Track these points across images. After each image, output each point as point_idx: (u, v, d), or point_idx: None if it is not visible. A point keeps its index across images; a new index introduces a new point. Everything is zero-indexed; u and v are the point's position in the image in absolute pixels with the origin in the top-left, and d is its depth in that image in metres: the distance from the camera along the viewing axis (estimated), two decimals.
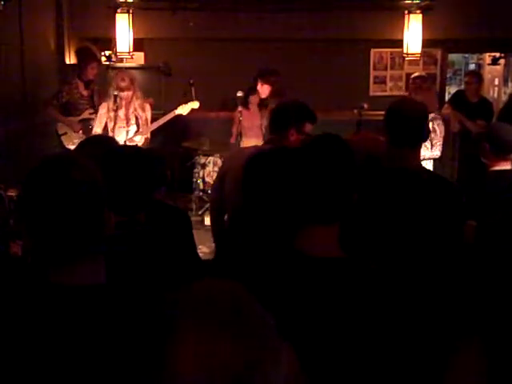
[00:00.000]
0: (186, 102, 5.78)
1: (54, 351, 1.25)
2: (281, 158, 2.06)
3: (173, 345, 0.73)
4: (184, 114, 5.75)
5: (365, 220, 2.46)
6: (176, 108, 5.72)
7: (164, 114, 5.85)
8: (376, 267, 1.59)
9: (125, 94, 5.24)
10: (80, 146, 2.62)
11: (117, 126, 5.32)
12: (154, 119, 5.63)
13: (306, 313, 1.45)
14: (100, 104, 5.56)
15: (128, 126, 5.39)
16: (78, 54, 6.30)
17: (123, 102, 5.28)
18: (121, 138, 5.29)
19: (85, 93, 6.05)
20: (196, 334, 0.73)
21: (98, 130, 5.34)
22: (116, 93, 5.22)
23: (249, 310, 0.78)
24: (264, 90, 5.76)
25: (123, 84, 5.25)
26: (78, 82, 6.03)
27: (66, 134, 5.95)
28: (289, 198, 1.61)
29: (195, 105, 5.81)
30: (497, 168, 3.52)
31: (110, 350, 1.22)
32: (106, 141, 2.66)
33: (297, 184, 1.59)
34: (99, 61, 6.23)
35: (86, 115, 5.97)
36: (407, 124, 2.56)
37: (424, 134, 2.65)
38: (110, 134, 5.18)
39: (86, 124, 5.90)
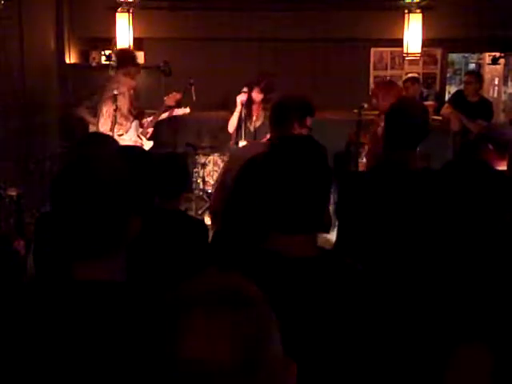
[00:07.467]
0: (185, 105, 5.98)
1: (74, 345, 1.27)
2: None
3: (184, 331, 0.79)
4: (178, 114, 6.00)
5: (367, 221, 2.46)
6: (177, 108, 5.88)
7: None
8: (351, 262, 1.51)
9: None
10: (79, 144, 2.61)
11: (120, 124, 5.40)
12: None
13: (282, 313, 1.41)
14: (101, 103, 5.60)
15: (130, 121, 5.52)
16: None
17: (124, 99, 5.38)
18: (128, 135, 5.39)
19: None
20: (205, 320, 0.79)
21: (106, 128, 5.36)
22: (116, 92, 5.26)
23: (249, 294, 0.85)
24: (259, 96, 5.76)
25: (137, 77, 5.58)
26: None
27: None
28: (259, 206, 1.48)
29: (186, 110, 6.06)
30: (497, 168, 3.52)
31: (129, 346, 1.23)
32: (104, 140, 2.65)
33: (265, 191, 1.46)
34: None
35: None
36: (409, 125, 2.55)
37: (425, 134, 2.64)
38: (110, 132, 5.20)
39: None
